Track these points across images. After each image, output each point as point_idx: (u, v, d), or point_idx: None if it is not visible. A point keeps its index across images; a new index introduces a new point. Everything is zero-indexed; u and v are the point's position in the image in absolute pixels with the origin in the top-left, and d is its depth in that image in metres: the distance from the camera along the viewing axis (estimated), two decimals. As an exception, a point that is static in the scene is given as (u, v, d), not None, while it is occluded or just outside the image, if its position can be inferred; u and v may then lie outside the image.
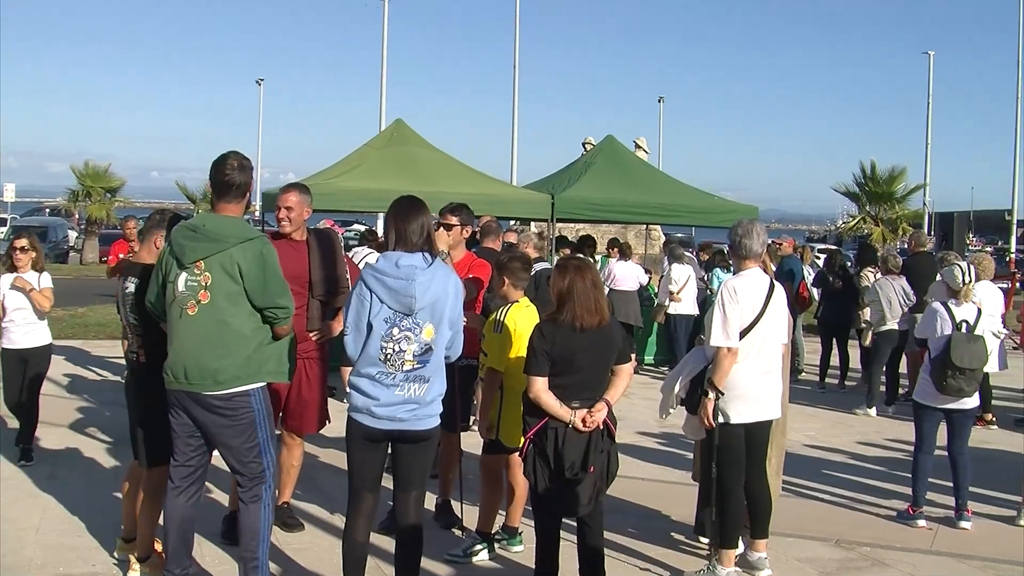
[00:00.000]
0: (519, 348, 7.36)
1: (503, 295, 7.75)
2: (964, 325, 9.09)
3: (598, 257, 19.90)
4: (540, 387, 6.58)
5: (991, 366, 10.52)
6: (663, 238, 31.58)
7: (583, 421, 6.53)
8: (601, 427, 6.66)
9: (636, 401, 13.15)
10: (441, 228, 8.20)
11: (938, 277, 10.86)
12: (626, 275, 18.00)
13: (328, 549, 7.40)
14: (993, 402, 14.80)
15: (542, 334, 6.62)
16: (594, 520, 6.88)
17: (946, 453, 9.27)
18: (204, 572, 6.94)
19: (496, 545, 7.86)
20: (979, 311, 9.34)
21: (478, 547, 7.76)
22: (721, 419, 7.29)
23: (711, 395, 7.24)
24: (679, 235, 23.96)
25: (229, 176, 6.34)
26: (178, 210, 7.64)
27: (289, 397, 7.84)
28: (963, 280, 9.34)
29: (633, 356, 12.31)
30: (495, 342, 7.47)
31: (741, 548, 7.60)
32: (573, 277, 6.64)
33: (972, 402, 9.22)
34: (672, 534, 8.52)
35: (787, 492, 9.40)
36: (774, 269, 13.69)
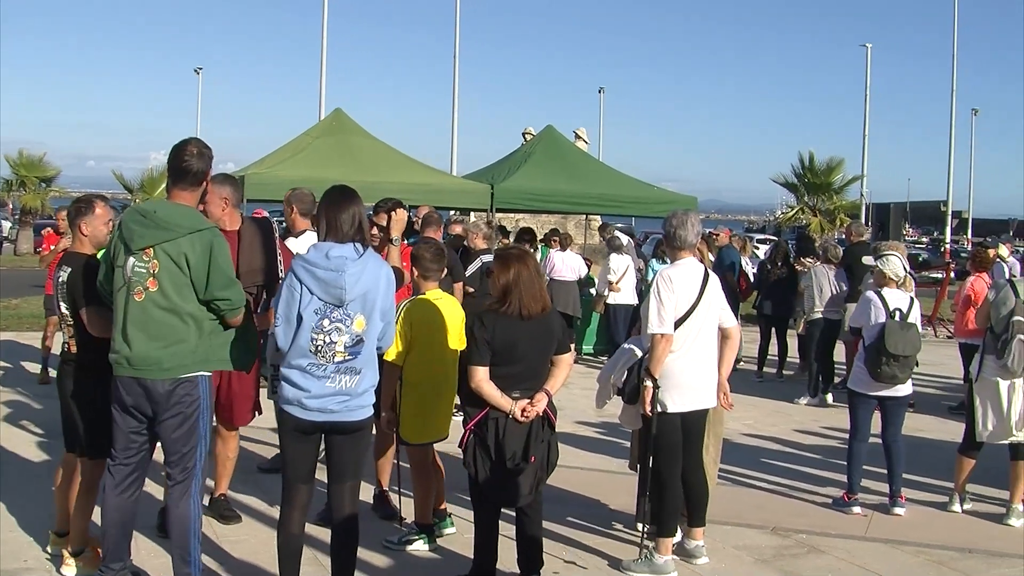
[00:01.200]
0: (419, 341, 7.40)
1: (415, 287, 7.74)
2: (898, 313, 9.18)
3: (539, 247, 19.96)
4: (481, 377, 6.60)
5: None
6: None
7: (523, 411, 6.56)
8: (542, 417, 6.69)
9: (575, 391, 13.17)
10: (393, 215, 8.11)
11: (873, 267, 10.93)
12: (566, 265, 18.04)
13: (265, 541, 7.35)
14: (926, 390, 15.04)
15: (483, 324, 6.62)
16: (533, 510, 6.90)
17: (880, 441, 9.36)
18: (139, 567, 6.87)
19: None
20: (912, 300, 9.44)
21: (414, 537, 7.76)
22: (658, 408, 7.32)
23: (648, 383, 7.27)
24: (619, 225, 24.04)
25: (187, 163, 6.26)
26: (102, 197, 7.51)
27: (221, 390, 7.78)
28: (905, 270, 9.46)
29: (573, 346, 12.24)
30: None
31: (678, 536, 7.64)
32: (518, 267, 6.67)
33: (905, 389, 9.32)
34: (611, 523, 8.55)
35: (724, 481, 9.46)
36: (712, 259, 13.76)
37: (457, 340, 7.48)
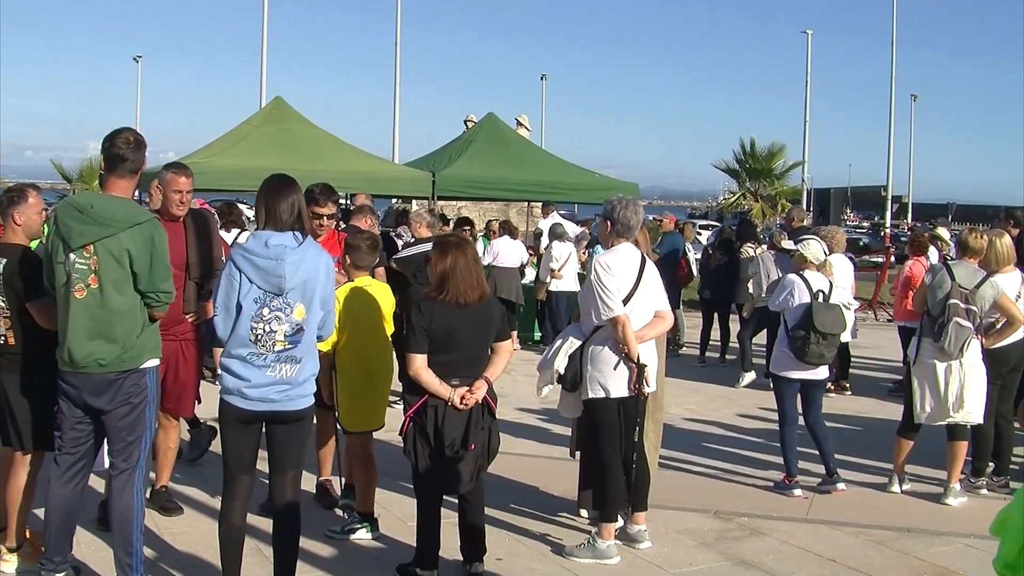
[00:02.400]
0: (349, 328, 7.43)
1: (347, 274, 7.75)
2: (820, 295, 9.30)
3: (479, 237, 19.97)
4: (419, 364, 6.61)
5: (845, 335, 10.83)
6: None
7: (463, 399, 6.58)
8: (481, 404, 6.71)
9: (517, 378, 13.19)
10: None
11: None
12: (508, 252, 18.06)
13: (207, 532, 7.31)
14: (866, 373, 15.20)
15: (420, 311, 6.65)
16: (475, 497, 6.94)
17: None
18: (80, 560, 6.82)
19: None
20: (831, 283, 9.61)
21: (357, 526, 7.75)
22: (601, 393, 7.35)
23: (634, 366, 7.31)
24: (562, 211, 24.10)
25: (123, 152, 6.17)
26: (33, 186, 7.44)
27: (166, 379, 7.72)
28: (825, 253, 9.55)
29: (515, 333, 12.19)
30: None
31: (621, 522, 7.68)
32: (455, 254, 6.68)
33: (823, 372, 9.48)
34: (553, 509, 8.56)
35: (666, 465, 9.50)
36: (654, 248, 13.84)
37: (389, 325, 7.51)
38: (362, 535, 7.71)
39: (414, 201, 24.55)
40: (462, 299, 6.61)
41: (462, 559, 7.03)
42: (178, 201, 7.76)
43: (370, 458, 7.83)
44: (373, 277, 8.01)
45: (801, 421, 9.49)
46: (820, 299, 9.29)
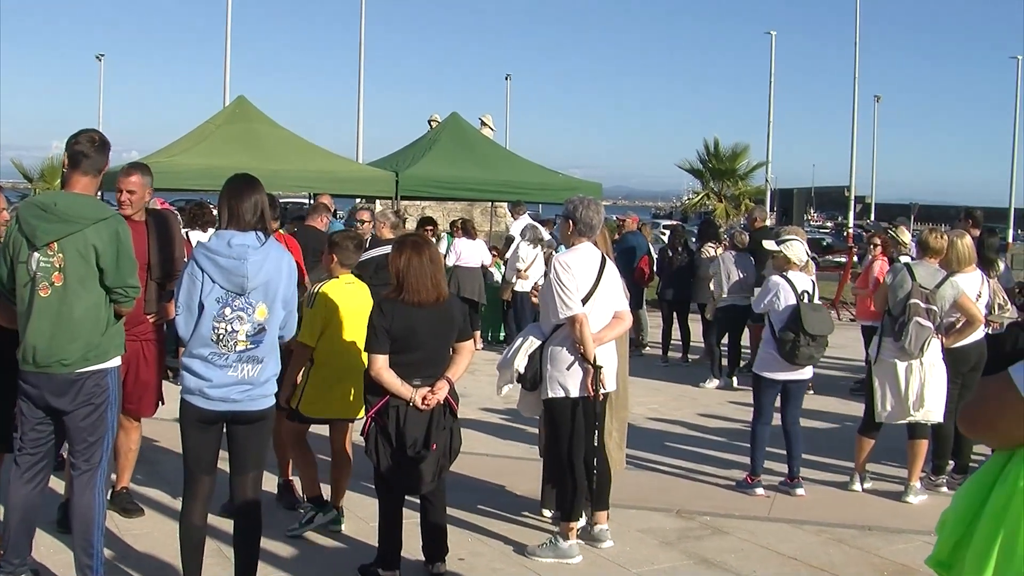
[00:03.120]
0: (331, 323, 7.46)
1: (330, 272, 7.77)
2: (805, 296, 9.32)
3: (443, 236, 19.97)
4: (381, 365, 6.61)
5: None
6: (508, 215, 31.70)
7: (424, 399, 6.58)
8: (443, 404, 6.71)
9: (481, 377, 13.18)
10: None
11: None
12: (470, 252, 18.09)
13: (168, 534, 7.25)
14: (829, 372, 15.34)
15: (381, 311, 6.65)
16: (437, 497, 6.95)
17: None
18: (40, 563, 6.77)
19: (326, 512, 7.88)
20: (814, 282, 9.60)
21: (311, 513, 7.79)
22: (560, 393, 7.36)
23: (589, 367, 7.31)
24: (529, 212, 24.09)
25: (84, 148, 6.14)
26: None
27: (127, 380, 7.67)
28: (808, 254, 9.58)
29: (479, 334, 12.08)
30: (307, 316, 7.44)
31: (583, 521, 7.69)
32: (410, 254, 6.68)
33: (808, 372, 9.50)
34: (516, 509, 8.57)
35: (629, 465, 9.51)
36: (612, 246, 13.87)
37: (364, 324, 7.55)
38: (319, 520, 7.77)
39: (378, 201, 24.51)
40: (417, 298, 6.61)
41: (424, 559, 7.03)
42: (125, 200, 7.70)
43: (305, 444, 7.94)
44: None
45: (777, 420, 9.52)
46: (806, 300, 9.31)
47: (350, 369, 7.56)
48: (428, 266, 6.69)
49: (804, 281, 9.50)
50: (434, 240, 19.66)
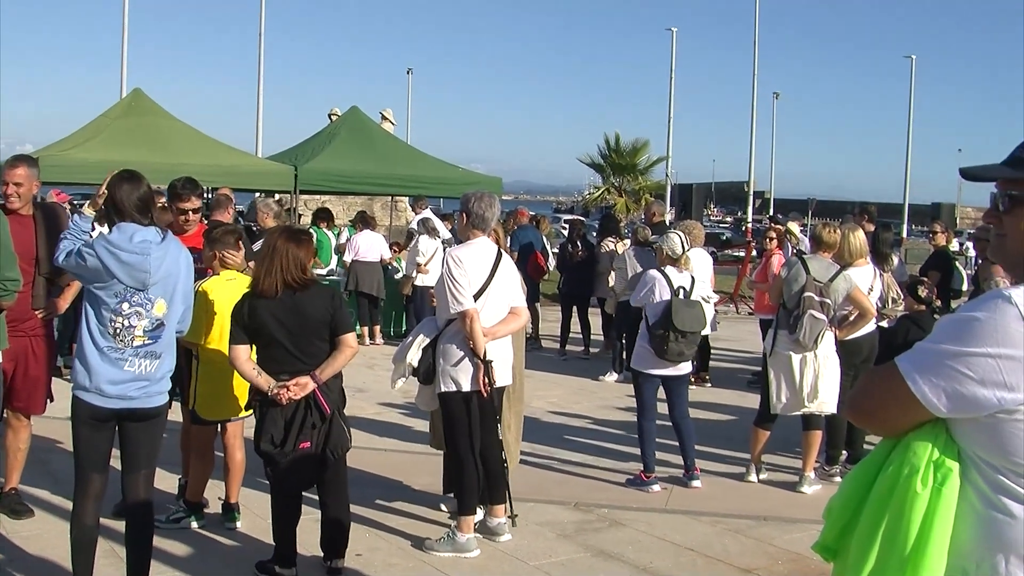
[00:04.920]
0: (215, 320, 7.39)
1: (212, 268, 7.69)
2: (681, 291, 9.38)
3: (345, 229, 19.87)
4: (235, 355, 6.65)
5: (706, 329, 11.02)
6: (408, 210, 31.62)
7: (279, 395, 6.51)
8: (312, 403, 6.62)
9: (379, 372, 13.16)
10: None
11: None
12: (369, 246, 18.08)
13: (60, 535, 7.13)
14: (726, 365, 15.47)
15: (240, 304, 6.67)
16: (334, 494, 6.94)
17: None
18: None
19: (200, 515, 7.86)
20: (693, 279, 9.66)
21: (181, 515, 7.76)
22: (453, 387, 7.35)
23: (479, 362, 7.31)
24: (431, 206, 23.99)
25: None
26: None
27: (15, 377, 7.54)
28: (683, 248, 9.62)
29: (378, 328, 12.00)
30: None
31: (480, 515, 7.69)
32: (275, 246, 6.65)
33: (686, 367, 9.58)
34: (414, 503, 8.55)
35: (528, 458, 9.54)
36: (507, 240, 13.90)
37: None
38: (186, 524, 7.72)
39: (276, 194, 24.33)
40: (276, 290, 6.54)
41: (322, 555, 6.99)
42: (12, 193, 7.55)
43: (210, 450, 7.84)
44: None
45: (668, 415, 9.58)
46: (681, 295, 9.37)
47: None
48: (287, 259, 6.58)
49: (681, 277, 9.55)
50: (332, 233, 19.61)
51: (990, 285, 10.48)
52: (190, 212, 8.39)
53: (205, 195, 8.64)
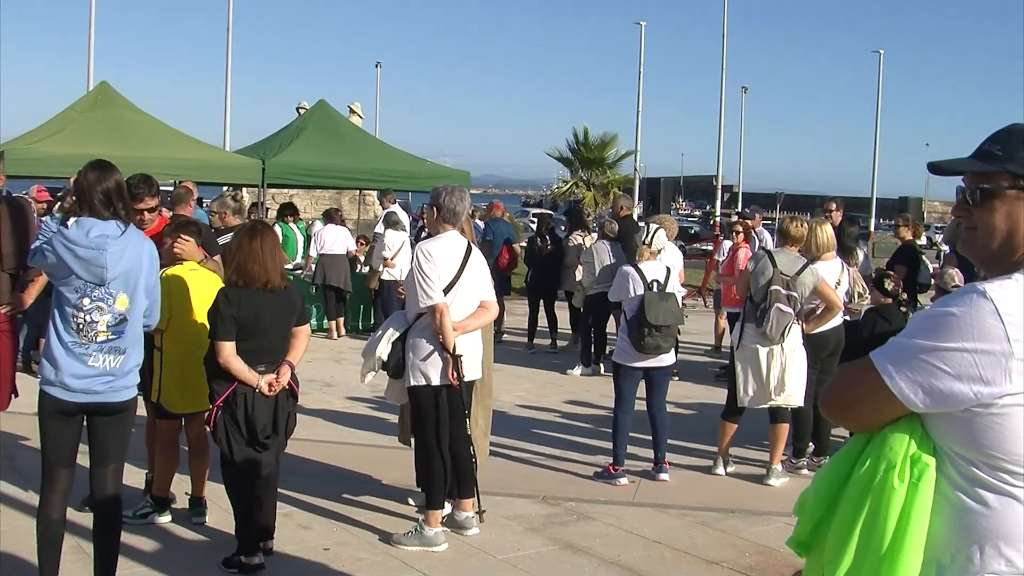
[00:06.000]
0: (180, 309, 7.39)
1: (172, 258, 7.69)
2: (655, 284, 9.39)
3: (316, 223, 19.85)
4: (229, 352, 6.69)
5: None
6: (376, 203, 31.58)
7: (270, 385, 6.71)
8: (286, 388, 6.87)
9: (347, 366, 13.15)
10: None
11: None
12: (334, 239, 18.11)
13: (26, 531, 7.07)
14: (694, 358, 15.54)
15: (227, 299, 6.73)
16: (271, 478, 7.09)
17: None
18: None
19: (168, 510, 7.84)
20: (668, 270, 9.68)
21: (148, 509, 7.74)
22: (422, 381, 7.35)
23: (448, 356, 7.31)
24: (399, 200, 23.91)
25: None
26: None
27: (-23, 372, 7.51)
28: (646, 240, 9.62)
29: (342, 321, 11.92)
30: None
31: (448, 509, 7.69)
32: (242, 240, 6.84)
33: (669, 359, 9.58)
34: (383, 497, 8.55)
35: (496, 452, 9.54)
36: (477, 233, 13.90)
37: None
38: (154, 519, 7.71)
39: (244, 189, 24.24)
40: (242, 281, 6.74)
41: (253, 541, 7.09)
42: None
43: (175, 444, 7.83)
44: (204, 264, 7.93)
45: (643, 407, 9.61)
46: (655, 288, 9.39)
47: (200, 357, 7.51)
48: (260, 252, 6.80)
49: (654, 270, 9.57)
50: (298, 227, 19.58)
51: (944, 280, 10.58)
52: (145, 212, 8.28)
53: (161, 190, 8.54)
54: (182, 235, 7.69)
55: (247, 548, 6.86)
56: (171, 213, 9.64)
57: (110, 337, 5.81)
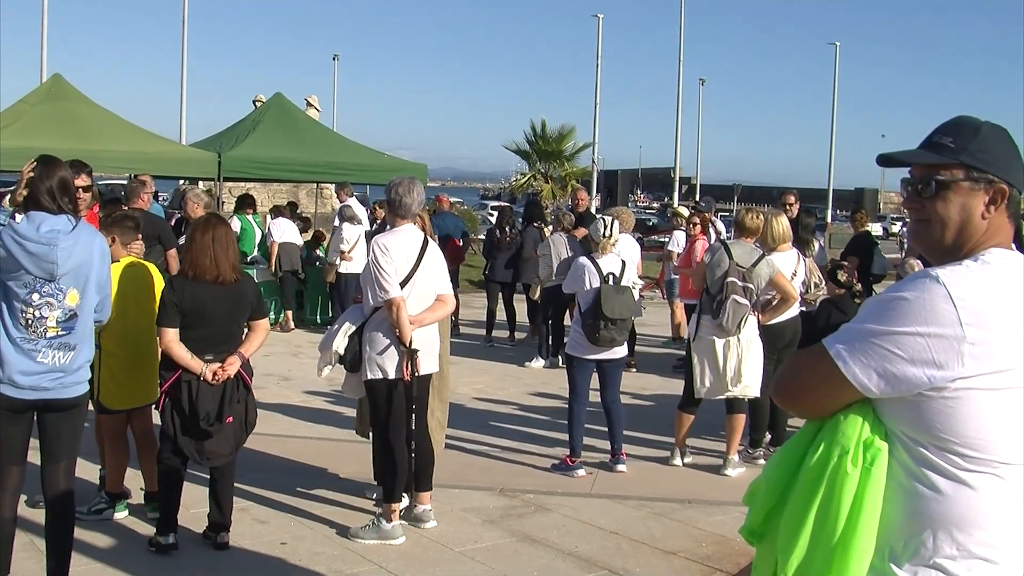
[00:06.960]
0: (115, 309, 7.26)
1: (112, 255, 7.62)
2: (611, 277, 9.39)
3: (268, 216, 19.82)
4: (171, 338, 6.82)
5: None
6: (334, 197, 31.49)
7: (214, 374, 6.79)
8: (237, 379, 6.96)
9: (304, 360, 13.10)
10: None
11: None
12: (285, 228, 18.38)
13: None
14: (652, 350, 15.57)
15: (172, 287, 6.91)
16: (228, 469, 7.17)
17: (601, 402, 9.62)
18: None
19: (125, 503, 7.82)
20: (623, 263, 9.68)
21: (103, 505, 7.70)
22: (379, 375, 7.33)
23: (404, 350, 7.29)
24: (356, 194, 23.80)
25: None
26: None
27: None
28: (604, 233, 9.61)
29: (290, 314, 11.82)
30: None
31: (406, 502, 7.68)
32: (194, 234, 6.99)
33: (621, 352, 9.61)
34: (340, 491, 8.52)
35: (453, 445, 9.53)
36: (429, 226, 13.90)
37: (155, 306, 7.44)
38: (108, 515, 7.66)
39: (200, 182, 24.10)
40: (194, 273, 6.86)
41: (210, 531, 7.18)
42: None
43: (122, 439, 7.78)
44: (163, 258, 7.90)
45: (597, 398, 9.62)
46: (611, 282, 9.39)
47: (144, 354, 7.53)
48: (210, 245, 6.91)
49: (611, 263, 9.56)
50: (255, 220, 19.52)
51: (905, 270, 10.66)
52: (80, 190, 8.13)
53: (110, 183, 8.48)
54: (127, 235, 7.66)
55: (164, 528, 6.99)
56: (125, 207, 9.56)
57: (60, 333, 5.75)
